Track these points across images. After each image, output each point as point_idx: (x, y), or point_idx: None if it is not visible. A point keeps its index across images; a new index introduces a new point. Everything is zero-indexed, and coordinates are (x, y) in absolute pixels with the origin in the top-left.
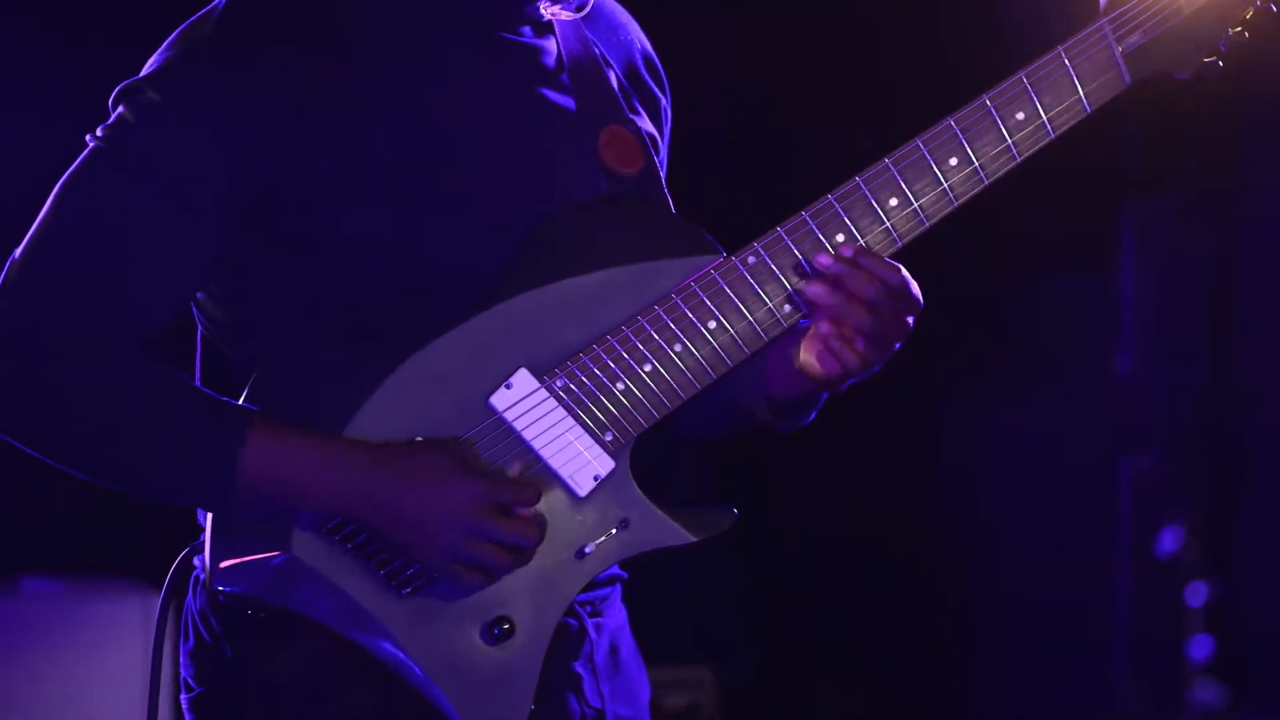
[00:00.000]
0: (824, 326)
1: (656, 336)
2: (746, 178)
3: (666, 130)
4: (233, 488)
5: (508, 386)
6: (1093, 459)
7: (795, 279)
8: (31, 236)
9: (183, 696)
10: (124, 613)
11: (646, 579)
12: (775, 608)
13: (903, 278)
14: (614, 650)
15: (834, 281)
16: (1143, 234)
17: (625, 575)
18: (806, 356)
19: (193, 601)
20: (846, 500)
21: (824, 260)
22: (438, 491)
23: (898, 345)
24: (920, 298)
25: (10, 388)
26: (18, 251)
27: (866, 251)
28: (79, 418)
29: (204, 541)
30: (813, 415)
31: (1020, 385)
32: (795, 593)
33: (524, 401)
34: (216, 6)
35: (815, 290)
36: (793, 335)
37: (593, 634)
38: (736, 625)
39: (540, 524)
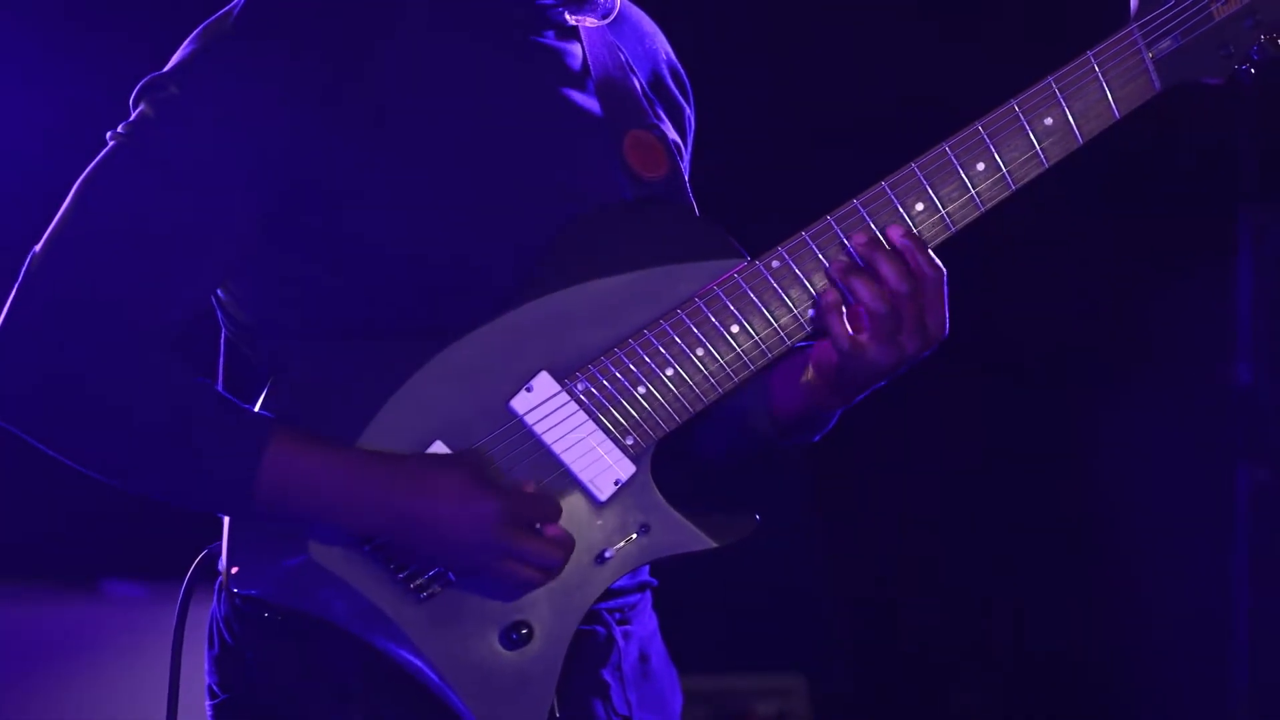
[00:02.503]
0: (833, 317)
1: (679, 340)
2: (770, 182)
3: (690, 139)
4: (250, 498)
5: (528, 390)
6: (1211, 468)
7: (820, 282)
8: (52, 232)
9: (207, 703)
10: (203, 616)
11: (735, 584)
12: (872, 614)
13: (939, 273)
14: (643, 658)
15: (867, 259)
16: (1259, 242)
17: (655, 582)
18: (817, 356)
19: (216, 608)
20: (952, 505)
21: (860, 239)
22: (459, 510)
23: (908, 352)
24: (946, 326)
25: (27, 384)
26: (37, 247)
27: (915, 239)
28: (96, 416)
29: (221, 545)
30: (818, 436)
31: (1139, 394)
32: (892, 599)
33: (545, 405)
34: (238, 3)
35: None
36: (800, 352)
37: (620, 642)
38: (831, 631)
39: (566, 544)
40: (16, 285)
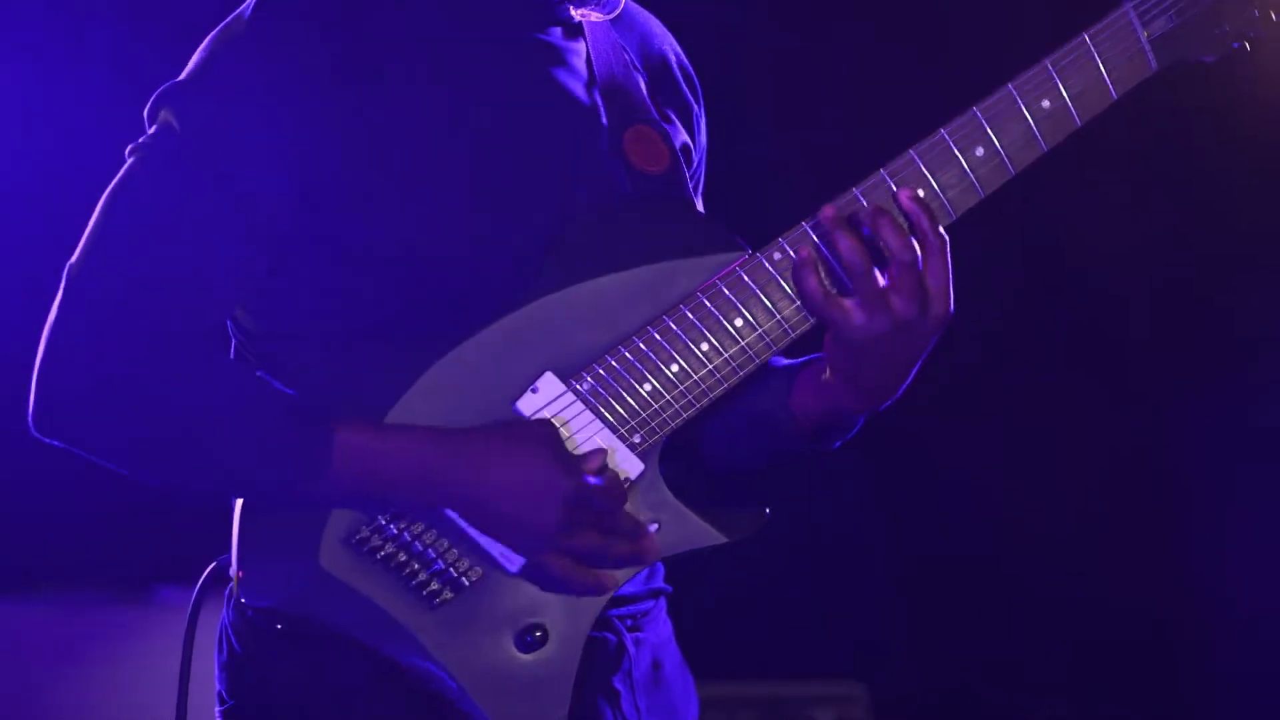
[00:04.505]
0: (806, 273)
1: (683, 336)
2: (771, 174)
3: (702, 139)
4: (326, 480)
5: (533, 391)
6: None
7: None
8: (85, 244)
9: (217, 710)
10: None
11: (795, 587)
12: (935, 618)
13: (942, 240)
14: (656, 665)
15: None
16: None
17: (669, 589)
18: (826, 348)
19: (226, 615)
20: (1018, 506)
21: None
22: (538, 475)
23: (900, 316)
24: (951, 299)
25: (85, 398)
26: (73, 260)
27: (923, 204)
28: (161, 419)
29: (231, 555)
30: (839, 443)
31: (1213, 398)
32: (956, 603)
33: (550, 406)
34: (249, 6)
35: (828, 213)
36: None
37: (631, 649)
38: (893, 636)
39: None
40: (59, 300)
